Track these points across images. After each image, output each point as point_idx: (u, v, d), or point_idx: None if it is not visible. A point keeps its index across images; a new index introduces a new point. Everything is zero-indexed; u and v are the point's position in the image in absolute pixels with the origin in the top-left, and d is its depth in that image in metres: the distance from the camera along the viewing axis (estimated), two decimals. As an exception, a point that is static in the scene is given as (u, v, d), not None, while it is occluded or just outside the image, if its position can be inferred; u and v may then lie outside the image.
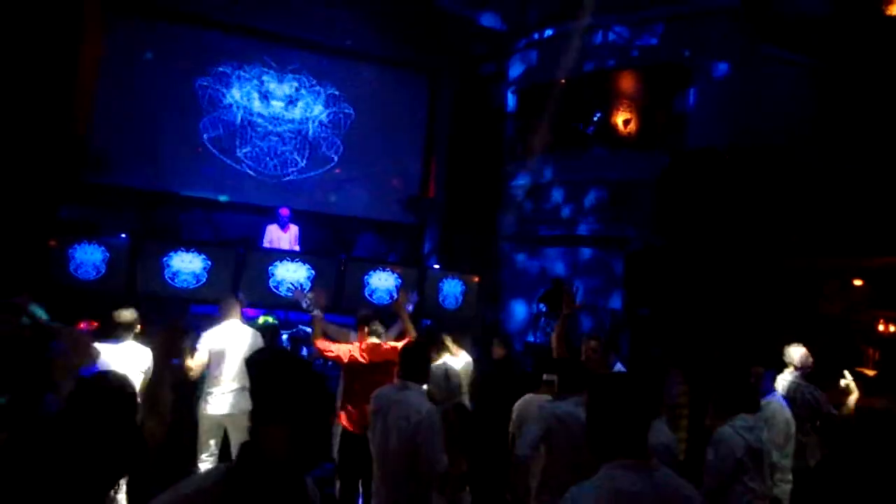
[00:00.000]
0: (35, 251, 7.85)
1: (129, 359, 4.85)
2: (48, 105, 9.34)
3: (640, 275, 9.13)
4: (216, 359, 5.53)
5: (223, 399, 5.50)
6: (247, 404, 5.36)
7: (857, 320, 8.55)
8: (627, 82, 10.67)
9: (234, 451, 5.50)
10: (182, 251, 8.27)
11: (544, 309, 10.14)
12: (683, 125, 9.73)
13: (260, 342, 5.72)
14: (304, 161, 11.74)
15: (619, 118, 10.65)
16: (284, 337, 7.97)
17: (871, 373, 6.31)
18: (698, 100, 9.62)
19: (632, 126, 10.57)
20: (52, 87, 9.32)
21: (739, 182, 8.07)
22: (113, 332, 4.97)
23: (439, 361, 5.49)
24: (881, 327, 8.52)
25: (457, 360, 6.22)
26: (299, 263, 8.88)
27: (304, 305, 5.74)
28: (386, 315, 6.54)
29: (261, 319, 7.58)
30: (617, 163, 10.24)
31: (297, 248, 9.71)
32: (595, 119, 10.82)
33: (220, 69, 11.20)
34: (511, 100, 11.88)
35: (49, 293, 6.58)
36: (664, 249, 8.75)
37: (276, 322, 7.59)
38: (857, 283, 8.76)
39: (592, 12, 10.49)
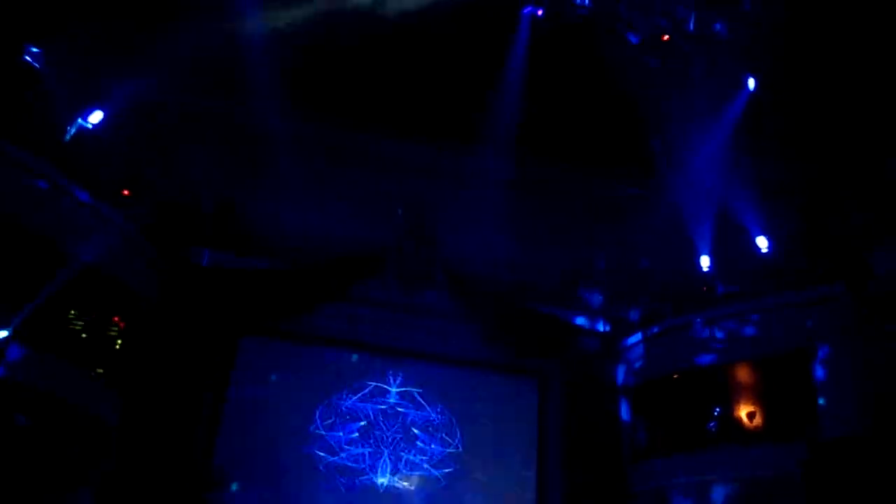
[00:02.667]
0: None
1: None
2: (185, 426, 10.10)
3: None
4: None
5: None
6: None
7: None
8: (745, 374, 10.24)
9: None
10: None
11: None
12: (814, 413, 9.00)
13: None
14: (416, 470, 11.53)
15: (743, 411, 10.04)
16: None
17: None
18: (825, 384, 9.02)
19: (758, 419, 9.89)
20: (184, 409, 10.14)
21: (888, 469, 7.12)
22: None
23: None
24: None
25: None
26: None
27: None
28: None
29: None
30: (748, 458, 9.41)
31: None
32: (716, 414, 10.26)
33: (338, 390, 11.73)
34: (624, 399, 11.59)
35: None
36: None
37: None
38: None
39: (699, 306, 10.62)
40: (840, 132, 8.52)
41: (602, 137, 9.96)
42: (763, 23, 8.23)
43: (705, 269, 10.32)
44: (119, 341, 9.77)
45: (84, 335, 9.29)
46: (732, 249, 10.02)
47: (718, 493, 9.63)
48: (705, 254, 10.27)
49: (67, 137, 8.99)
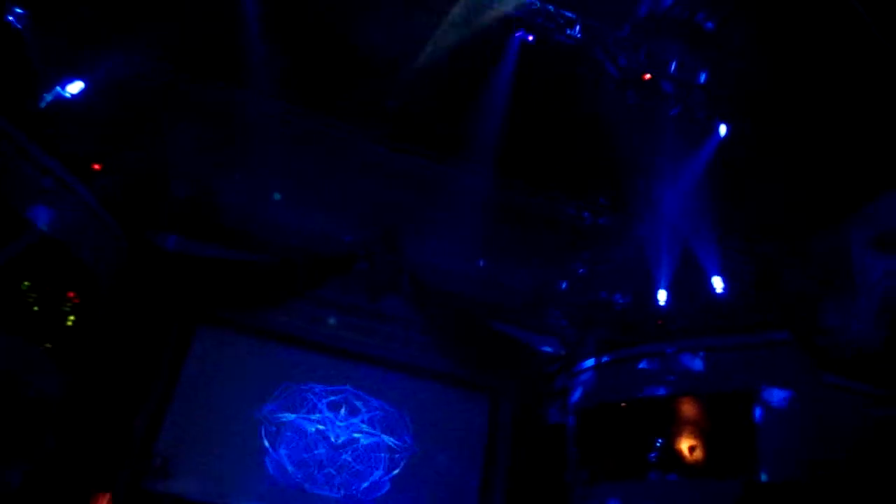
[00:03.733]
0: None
1: None
2: (128, 407, 9.96)
3: None
4: None
5: None
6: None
7: None
8: (689, 408, 10.53)
9: None
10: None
11: None
12: (753, 453, 9.30)
13: None
14: (359, 482, 11.52)
15: (685, 445, 10.32)
16: None
17: None
18: (765, 427, 9.34)
19: (698, 453, 10.17)
20: (131, 392, 10.00)
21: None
22: None
23: None
24: None
25: None
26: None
27: None
28: None
29: None
30: (686, 491, 9.67)
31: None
32: (658, 445, 10.52)
33: (290, 389, 11.72)
34: (571, 422, 11.79)
35: None
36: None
37: None
38: None
39: (652, 338, 10.91)
40: (804, 192, 8.94)
41: (576, 166, 10.21)
42: (744, 79, 8.61)
43: (662, 303, 10.62)
44: (72, 317, 9.55)
45: (35, 308, 9.06)
46: (690, 288, 10.35)
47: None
48: (664, 289, 10.58)
49: (42, 104, 8.80)
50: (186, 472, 10.50)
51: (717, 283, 9.93)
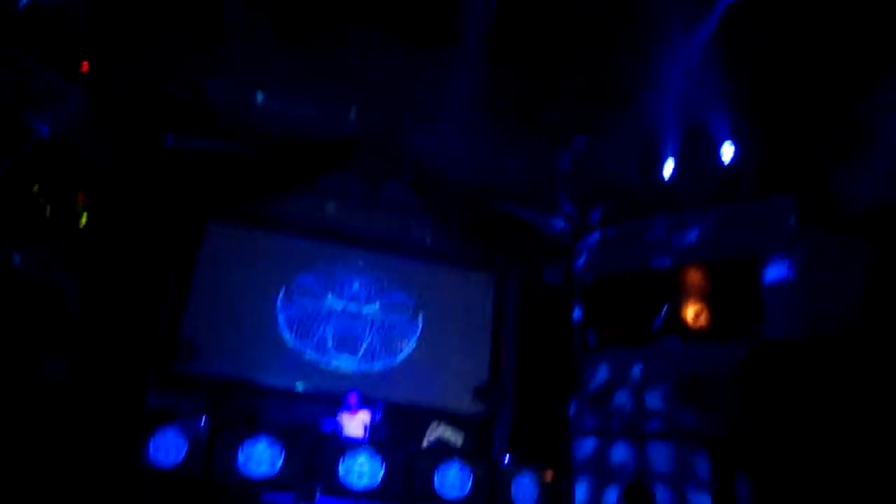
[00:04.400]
0: (121, 436, 8.18)
1: None
2: (150, 300, 10.30)
3: (727, 472, 8.68)
4: None
5: None
6: None
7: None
8: (694, 276, 10.86)
9: None
10: (257, 438, 8.43)
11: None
12: (758, 316, 9.68)
13: None
14: (376, 354, 12.13)
15: (689, 312, 10.71)
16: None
17: None
18: (771, 291, 9.66)
19: (703, 319, 10.59)
20: (154, 284, 10.30)
21: (823, 374, 7.87)
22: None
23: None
24: None
25: None
26: (369, 454, 8.87)
27: None
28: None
29: None
30: (689, 355, 10.16)
31: (366, 435, 9.76)
32: (663, 313, 10.92)
33: (300, 271, 12.12)
34: (578, 295, 12.17)
35: (131, 478, 6.81)
36: (751, 444, 8.38)
37: None
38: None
39: (656, 211, 11.05)
40: (818, 59, 8.67)
41: (575, 44, 9.84)
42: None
43: (668, 175, 10.64)
44: (84, 218, 9.64)
45: (48, 211, 9.12)
46: (697, 158, 10.32)
47: (658, 385, 10.42)
48: (670, 160, 10.56)
49: (21, 5, 8.40)
50: (213, 355, 11.08)
51: (727, 151, 9.88)
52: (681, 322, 10.63)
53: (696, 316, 10.56)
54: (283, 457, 8.39)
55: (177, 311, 11.09)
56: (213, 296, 11.39)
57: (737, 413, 8.95)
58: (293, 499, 5.94)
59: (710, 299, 10.47)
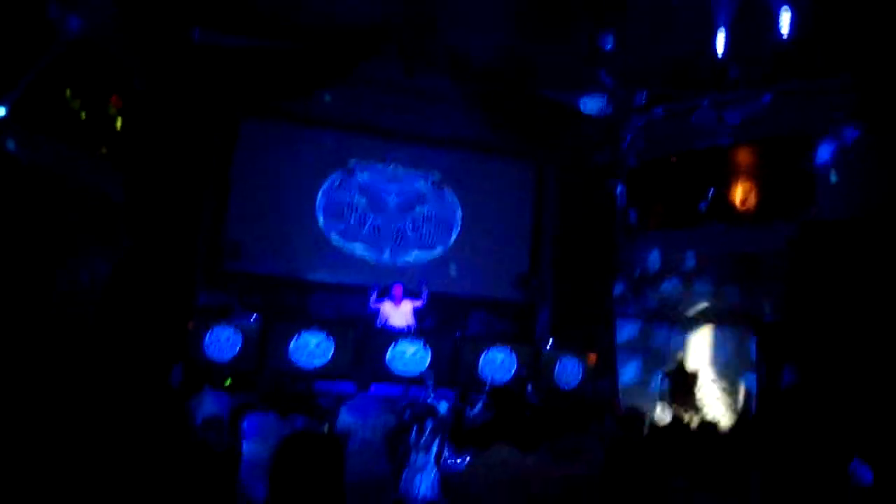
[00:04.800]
0: (176, 334, 8.49)
1: None
2: (192, 201, 10.38)
3: (774, 354, 8.69)
4: None
5: None
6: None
7: None
8: (744, 156, 10.46)
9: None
10: (307, 331, 8.69)
11: (668, 391, 9.76)
12: (809, 196, 9.35)
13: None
14: (418, 246, 12.20)
15: (737, 193, 10.40)
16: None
17: None
18: (823, 171, 9.27)
19: (750, 201, 10.28)
20: (195, 186, 10.36)
21: (874, 255, 7.63)
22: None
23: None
24: None
25: None
26: (415, 342, 9.09)
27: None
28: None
29: None
30: (736, 237, 9.94)
31: (412, 324, 9.98)
32: (710, 195, 10.62)
33: (339, 167, 12.05)
34: (622, 179, 11.89)
35: (188, 372, 7.09)
36: (799, 326, 8.32)
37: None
38: None
39: (705, 91, 10.51)
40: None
41: None
42: None
43: (719, 52, 10.01)
44: (119, 120, 9.60)
45: (82, 114, 9.07)
46: (750, 34, 9.64)
47: (704, 268, 10.31)
48: (722, 37, 9.90)
49: None
50: (258, 254, 11.26)
51: (783, 25, 9.19)
52: (728, 204, 10.35)
53: (745, 198, 10.25)
54: (332, 348, 8.66)
55: (219, 211, 11.22)
56: (254, 195, 11.44)
57: (785, 295, 8.85)
58: (352, 387, 6.19)
59: (758, 180, 10.11)
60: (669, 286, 10.64)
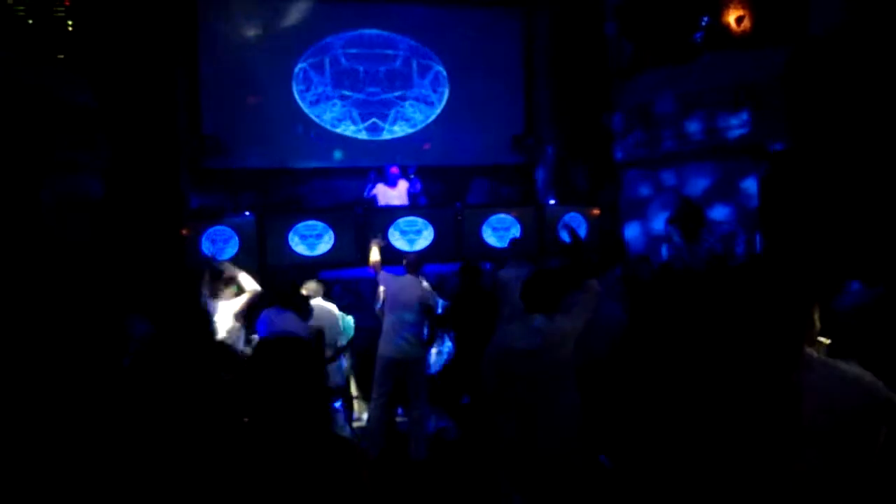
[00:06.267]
0: (170, 240, 8.35)
1: None
2: (165, 97, 9.88)
3: (778, 186, 8.50)
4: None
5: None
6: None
7: None
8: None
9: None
10: (304, 221, 8.52)
11: (676, 232, 9.66)
12: (805, 11, 8.78)
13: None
14: (406, 117, 11.75)
15: (731, 17, 9.82)
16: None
17: None
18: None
19: (745, 23, 9.71)
20: (162, 78, 9.81)
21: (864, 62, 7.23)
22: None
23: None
24: None
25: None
26: (417, 218, 8.95)
27: None
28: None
29: None
30: (735, 64, 9.46)
31: (411, 200, 9.84)
32: (703, 24, 10.04)
33: (313, 43, 11.32)
34: (610, 18, 11.21)
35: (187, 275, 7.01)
36: (800, 151, 8.07)
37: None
38: None
39: None
40: None
41: None
42: None
43: None
44: (70, 22, 8.96)
45: (30, 21, 8.49)
46: None
47: (703, 101, 9.88)
48: None
49: None
50: (241, 146, 10.86)
51: None
52: (723, 30, 9.79)
53: (739, 21, 9.68)
54: (331, 234, 8.53)
55: (193, 110, 10.70)
56: (227, 83, 10.87)
57: (785, 119, 8.55)
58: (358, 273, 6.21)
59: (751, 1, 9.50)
60: (668, 123, 10.26)
